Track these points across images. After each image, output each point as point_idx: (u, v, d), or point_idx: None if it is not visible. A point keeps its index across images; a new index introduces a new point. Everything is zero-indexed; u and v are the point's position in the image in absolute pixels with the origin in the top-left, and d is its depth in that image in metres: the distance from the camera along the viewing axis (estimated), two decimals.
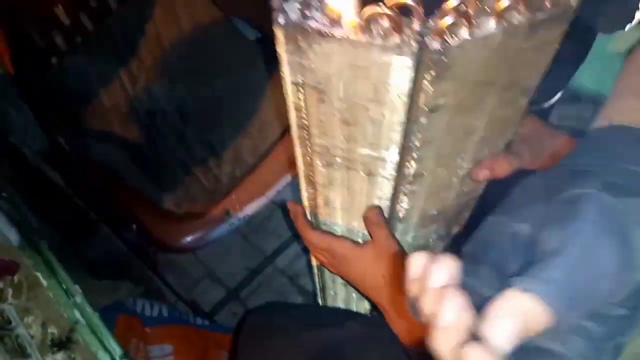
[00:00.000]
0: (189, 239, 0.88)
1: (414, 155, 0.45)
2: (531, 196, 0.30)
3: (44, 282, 0.67)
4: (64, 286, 0.68)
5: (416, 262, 0.27)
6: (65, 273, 0.71)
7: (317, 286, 0.88)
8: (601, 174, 0.31)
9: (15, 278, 0.66)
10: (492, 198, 0.74)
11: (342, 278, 0.66)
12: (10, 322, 0.64)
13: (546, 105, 1.03)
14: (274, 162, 0.89)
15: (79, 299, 0.65)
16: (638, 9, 0.63)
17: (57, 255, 1.01)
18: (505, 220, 0.31)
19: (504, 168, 0.51)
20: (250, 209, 0.91)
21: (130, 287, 1.09)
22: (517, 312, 0.24)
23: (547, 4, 0.35)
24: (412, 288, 0.27)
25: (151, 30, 1.01)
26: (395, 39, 0.33)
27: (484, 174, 0.51)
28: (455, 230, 0.67)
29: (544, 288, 0.24)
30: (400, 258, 0.57)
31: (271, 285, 1.31)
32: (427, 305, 0.25)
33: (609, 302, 0.27)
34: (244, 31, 1.04)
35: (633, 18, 0.54)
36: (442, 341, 0.24)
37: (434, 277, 0.25)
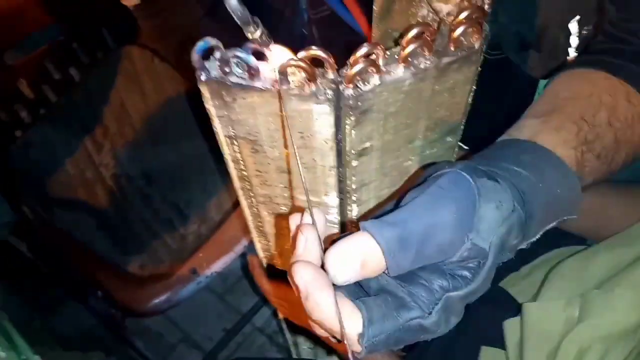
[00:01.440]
0: (155, 301, 0.86)
1: (353, 198, 0.46)
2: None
3: (2, 354, 0.65)
4: (23, 357, 0.66)
5: (292, 221, 0.31)
6: (25, 343, 0.69)
7: (289, 342, 0.86)
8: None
9: None
10: None
11: (304, 327, 0.65)
12: None
13: None
14: (240, 218, 0.90)
15: None
16: (568, 54, 0.68)
17: (24, 328, 0.98)
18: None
19: None
20: (218, 265, 0.91)
21: (101, 357, 1.05)
22: (354, 248, 0.27)
23: (452, 48, 0.37)
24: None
25: (115, 99, 1.04)
26: (311, 87, 0.36)
27: None
28: None
29: (379, 227, 0.27)
30: None
31: (249, 345, 1.28)
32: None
33: (450, 261, 0.29)
34: None
35: (565, 64, 0.58)
36: (293, 269, 0.27)
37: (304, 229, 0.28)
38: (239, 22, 0.33)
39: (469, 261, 0.29)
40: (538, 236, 0.34)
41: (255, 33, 0.35)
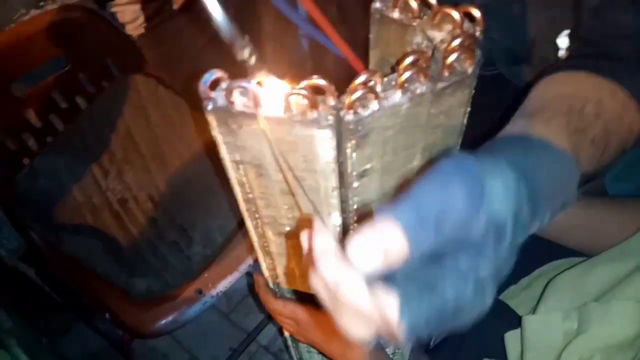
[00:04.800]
0: (162, 322, 0.87)
1: (355, 217, 0.48)
2: None
3: None
4: None
5: (304, 237, 0.30)
6: None
7: (294, 358, 0.87)
8: None
9: None
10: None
11: (310, 345, 0.66)
12: None
13: None
14: (243, 238, 0.91)
15: None
16: (558, 58, 0.69)
17: (31, 353, 0.98)
18: None
19: None
20: (223, 285, 0.92)
21: None
22: (374, 234, 0.26)
23: (446, 74, 0.39)
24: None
25: (121, 126, 1.06)
26: (313, 114, 0.38)
27: None
28: None
29: (396, 210, 0.27)
30: None
31: None
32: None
33: (470, 242, 0.29)
34: None
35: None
36: (317, 269, 0.26)
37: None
38: (225, 39, 0.35)
39: (488, 238, 0.29)
40: (548, 220, 0.35)
41: (243, 52, 0.37)
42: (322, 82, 0.38)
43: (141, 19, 1.06)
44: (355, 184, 0.44)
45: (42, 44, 0.93)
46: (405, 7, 0.47)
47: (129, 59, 1.07)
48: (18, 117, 0.94)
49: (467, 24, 0.43)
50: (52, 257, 0.95)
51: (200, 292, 0.92)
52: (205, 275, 0.94)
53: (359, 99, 0.37)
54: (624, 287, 0.54)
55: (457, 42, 0.39)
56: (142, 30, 1.08)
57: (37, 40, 0.92)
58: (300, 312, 0.59)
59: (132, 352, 0.97)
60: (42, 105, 0.96)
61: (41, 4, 0.97)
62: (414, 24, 0.47)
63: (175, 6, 1.01)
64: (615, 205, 0.64)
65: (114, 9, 1.04)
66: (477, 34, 0.42)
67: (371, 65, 0.54)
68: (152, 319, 0.88)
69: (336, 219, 0.48)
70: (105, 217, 0.99)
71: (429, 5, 0.46)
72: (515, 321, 0.63)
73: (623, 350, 0.50)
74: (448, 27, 0.44)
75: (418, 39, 0.46)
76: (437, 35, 0.44)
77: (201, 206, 0.99)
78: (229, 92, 0.37)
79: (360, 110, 0.38)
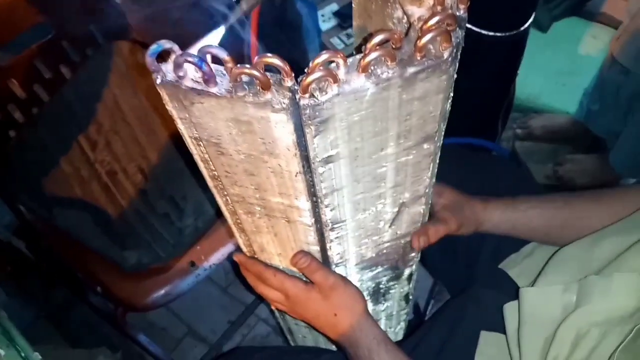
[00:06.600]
0: (154, 295, 0.87)
1: (325, 202, 0.45)
2: None
3: (2, 352, 0.66)
4: (23, 354, 0.67)
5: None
6: (24, 342, 0.70)
7: (284, 329, 0.86)
8: None
9: None
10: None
11: (297, 319, 0.64)
12: None
13: (515, 32, 1.00)
14: None
15: None
16: None
17: (30, 328, 0.99)
18: None
19: (435, 235, 0.59)
20: (216, 257, 0.91)
21: (107, 354, 1.07)
22: None
23: (418, 57, 0.35)
24: None
25: (108, 95, 1.04)
26: (266, 96, 0.34)
27: (423, 242, 0.57)
28: (407, 271, 0.67)
29: None
30: (347, 289, 0.56)
31: (254, 336, 1.29)
32: None
33: None
34: None
35: None
36: None
37: None
38: None
39: None
40: None
41: None
42: (275, 60, 0.34)
43: None
44: (321, 170, 0.41)
45: (24, 10, 0.90)
46: None
47: (113, 25, 1.03)
48: (2, 88, 0.92)
49: (450, 0, 0.38)
50: (42, 230, 0.95)
51: (192, 264, 0.91)
52: (198, 247, 0.93)
53: (316, 81, 0.34)
54: (627, 260, 0.52)
55: (434, 20, 0.35)
56: None
57: (18, 7, 0.89)
58: (289, 284, 0.56)
59: (126, 326, 0.98)
60: (25, 75, 0.93)
61: None
62: None
63: None
64: (592, 199, 0.63)
65: None
66: (460, 13, 0.37)
67: (355, 39, 0.49)
68: (145, 291, 0.88)
69: (304, 204, 0.46)
70: (94, 190, 0.98)
71: None
72: (515, 292, 0.61)
73: (622, 323, 0.49)
74: (429, 2, 0.39)
75: (399, 13, 0.41)
76: (416, 12, 0.39)
77: (192, 178, 0.97)
78: (177, 65, 0.34)
79: (317, 95, 0.34)
